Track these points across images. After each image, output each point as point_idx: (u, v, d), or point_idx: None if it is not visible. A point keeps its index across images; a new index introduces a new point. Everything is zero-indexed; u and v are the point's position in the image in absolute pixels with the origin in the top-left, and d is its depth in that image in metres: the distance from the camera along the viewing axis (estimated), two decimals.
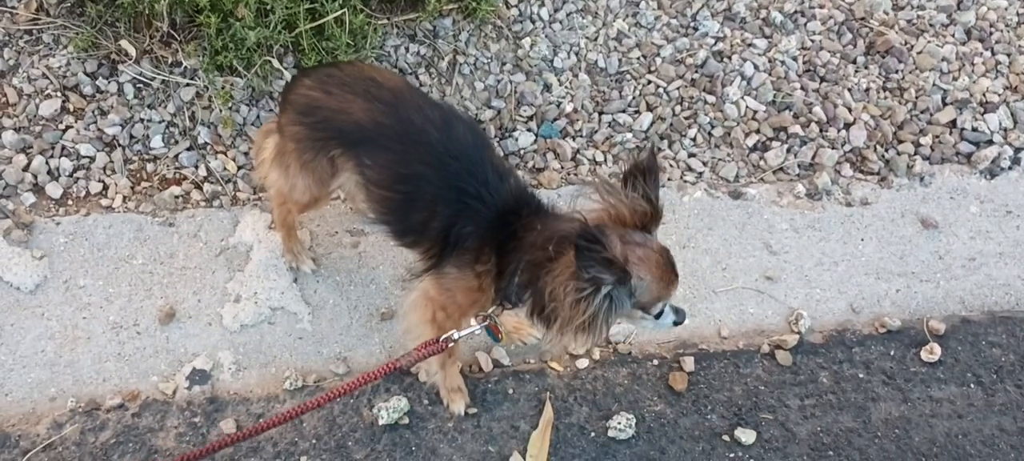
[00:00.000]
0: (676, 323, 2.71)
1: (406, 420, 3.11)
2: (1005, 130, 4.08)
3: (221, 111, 3.71)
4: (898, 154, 3.97)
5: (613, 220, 2.50)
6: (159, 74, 3.74)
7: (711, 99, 4.03)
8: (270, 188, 3.23)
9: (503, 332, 2.89)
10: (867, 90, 4.15)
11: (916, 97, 4.13)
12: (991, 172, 3.96)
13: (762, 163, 3.92)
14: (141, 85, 3.75)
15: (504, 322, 3.29)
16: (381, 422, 3.08)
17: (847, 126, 4.02)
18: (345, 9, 3.57)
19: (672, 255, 2.54)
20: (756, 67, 4.13)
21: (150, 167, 3.64)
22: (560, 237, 2.45)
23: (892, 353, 3.42)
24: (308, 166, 2.91)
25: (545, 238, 2.50)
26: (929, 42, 4.30)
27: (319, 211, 3.53)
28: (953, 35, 4.37)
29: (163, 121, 3.71)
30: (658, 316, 2.61)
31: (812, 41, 4.29)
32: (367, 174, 2.78)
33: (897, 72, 4.21)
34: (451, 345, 2.70)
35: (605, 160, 3.85)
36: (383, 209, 2.81)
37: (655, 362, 3.33)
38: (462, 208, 2.63)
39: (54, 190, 3.51)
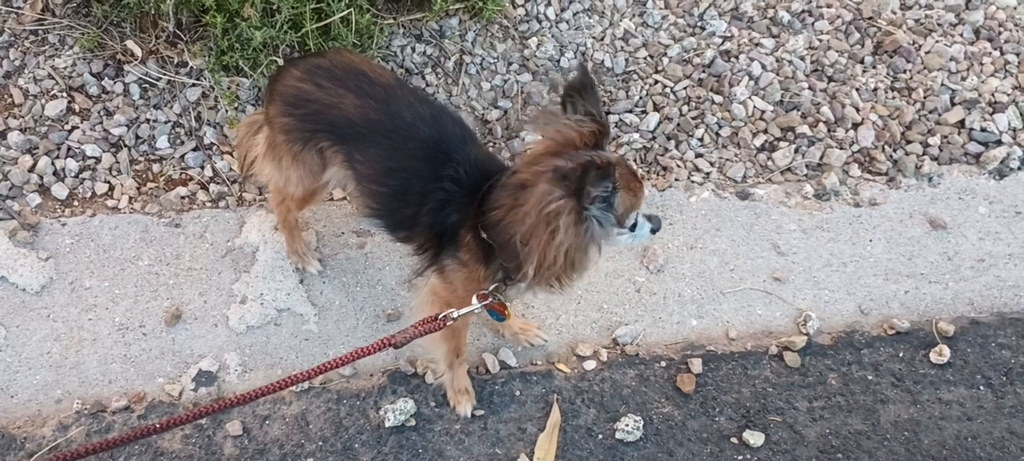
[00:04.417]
0: (653, 231, 2.66)
1: (413, 422, 3.10)
2: (1014, 130, 4.05)
3: (227, 111, 3.70)
4: (906, 154, 3.95)
5: (562, 147, 2.44)
6: (165, 74, 3.73)
7: (718, 99, 4.02)
8: (267, 184, 3.24)
9: (508, 310, 2.81)
10: (875, 90, 4.12)
11: (924, 97, 4.11)
12: (1000, 172, 3.94)
13: (770, 163, 3.90)
14: (147, 85, 3.74)
15: (511, 324, 3.29)
16: (388, 424, 3.07)
17: (855, 126, 4.00)
18: (351, 9, 3.56)
19: (632, 163, 2.46)
20: (764, 67, 4.11)
21: (156, 168, 3.64)
22: (499, 181, 2.46)
23: (901, 355, 3.40)
24: (299, 158, 2.91)
25: (505, 193, 2.47)
26: (937, 42, 4.28)
27: (318, 206, 3.52)
28: (961, 35, 4.34)
29: (169, 121, 3.70)
30: (633, 228, 2.57)
31: (820, 40, 4.27)
32: (358, 169, 2.80)
33: (905, 72, 4.19)
34: (450, 323, 2.62)
35: None
36: (374, 203, 2.83)
37: (663, 363, 3.32)
38: (447, 199, 2.64)
39: (60, 191, 3.51)
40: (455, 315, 2.62)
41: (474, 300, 2.67)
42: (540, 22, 4.15)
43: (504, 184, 2.49)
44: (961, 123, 4.05)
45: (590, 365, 3.30)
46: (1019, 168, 3.96)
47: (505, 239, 2.47)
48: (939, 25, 4.37)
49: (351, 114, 2.74)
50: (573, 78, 2.45)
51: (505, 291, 2.71)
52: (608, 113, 3.94)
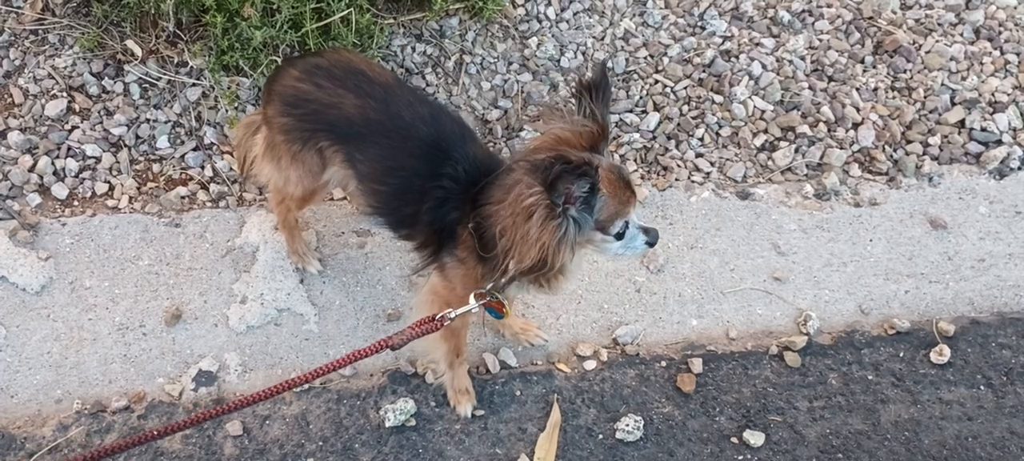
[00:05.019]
0: (649, 244, 2.61)
1: (413, 422, 3.10)
2: (1014, 130, 4.05)
3: (227, 111, 3.70)
4: (907, 154, 3.95)
5: (558, 145, 2.44)
6: (165, 74, 3.73)
7: (719, 99, 4.02)
8: (267, 183, 3.24)
9: (506, 308, 2.76)
10: (875, 90, 4.12)
11: (925, 97, 4.11)
12: (1000, 172, 3.94)
13: (770, 163, 3.90)
14: (147, 85, 3.74)
15: (512, 323, 3.29)
16: (388, 424, 3.07)
17: (855, 126, 4.00)
18: (351, 9, 3.56)
19: (627, 172, 2.44)
20: (764, 66, 4.11)
21: (156, 167, 3.63)
22: (495, 178, 2.46)
23: (901, 354, 3.40)
24: (298, 157, 2.92)
25: (499, 189, 2.47)
26: (937, 41, 4.28)
27: (318, 206, 3.52)
28: (962, 34, 4.34)
29: (169, 121, 3.70)
30: (619, 236, 2.53)
31: (820, 40, 4.26)
32: (359, 168, 2.81)
33: (905, 72, 4.19)
34: (447, 323, 2.59)
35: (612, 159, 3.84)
36: (376, 202, 2.84)
37: (663, 363, 3.31)
38: (446, 196, 2.64)
39: (60, 191, 3.51)
40: (452, 315, 2.60)
41: (471, 299, 2.64)
42: (540, 22, 4.15)
43: (498, 181, 2.49)
44: (961, 123, 4.05)
45: (590, 365, 3.30)
46: (1019, 168, 3.96)
47: (491, 234, 2.48)
48: (939, 25, 4.37)
49: (351, 114, 2.74)
50: (589, 77, 2.44)
51: (503, 289, 2.68)
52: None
